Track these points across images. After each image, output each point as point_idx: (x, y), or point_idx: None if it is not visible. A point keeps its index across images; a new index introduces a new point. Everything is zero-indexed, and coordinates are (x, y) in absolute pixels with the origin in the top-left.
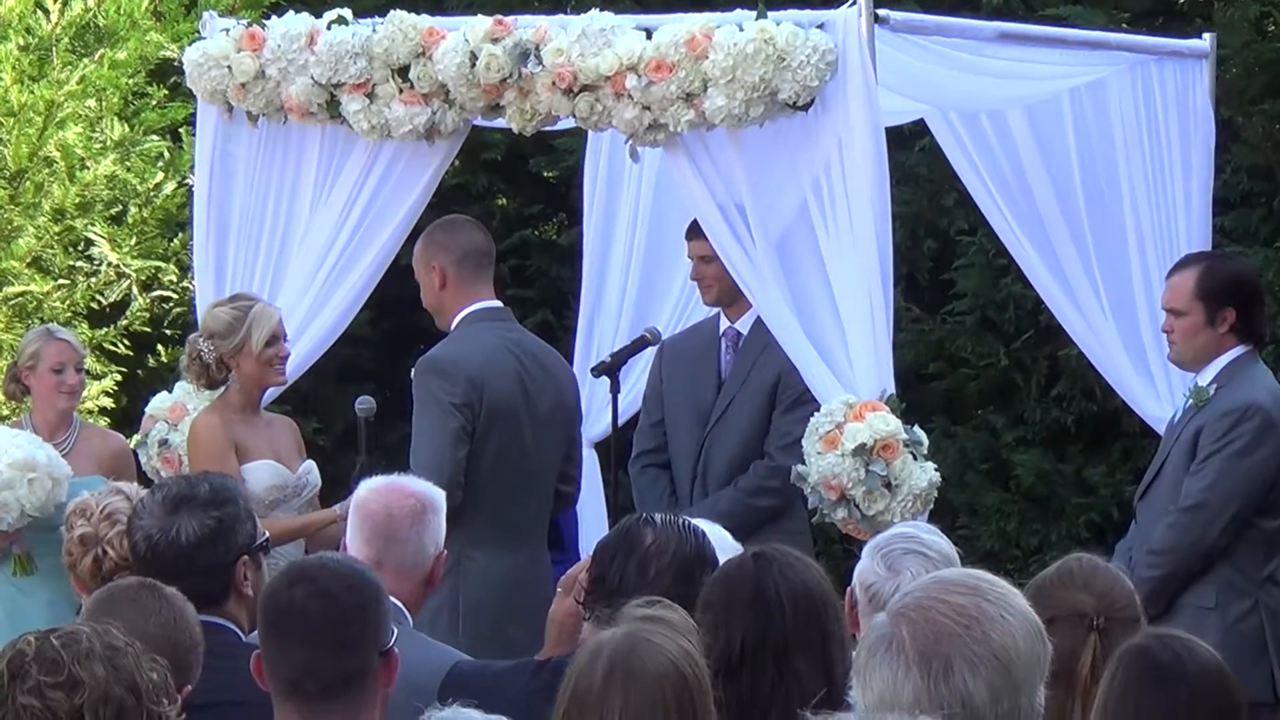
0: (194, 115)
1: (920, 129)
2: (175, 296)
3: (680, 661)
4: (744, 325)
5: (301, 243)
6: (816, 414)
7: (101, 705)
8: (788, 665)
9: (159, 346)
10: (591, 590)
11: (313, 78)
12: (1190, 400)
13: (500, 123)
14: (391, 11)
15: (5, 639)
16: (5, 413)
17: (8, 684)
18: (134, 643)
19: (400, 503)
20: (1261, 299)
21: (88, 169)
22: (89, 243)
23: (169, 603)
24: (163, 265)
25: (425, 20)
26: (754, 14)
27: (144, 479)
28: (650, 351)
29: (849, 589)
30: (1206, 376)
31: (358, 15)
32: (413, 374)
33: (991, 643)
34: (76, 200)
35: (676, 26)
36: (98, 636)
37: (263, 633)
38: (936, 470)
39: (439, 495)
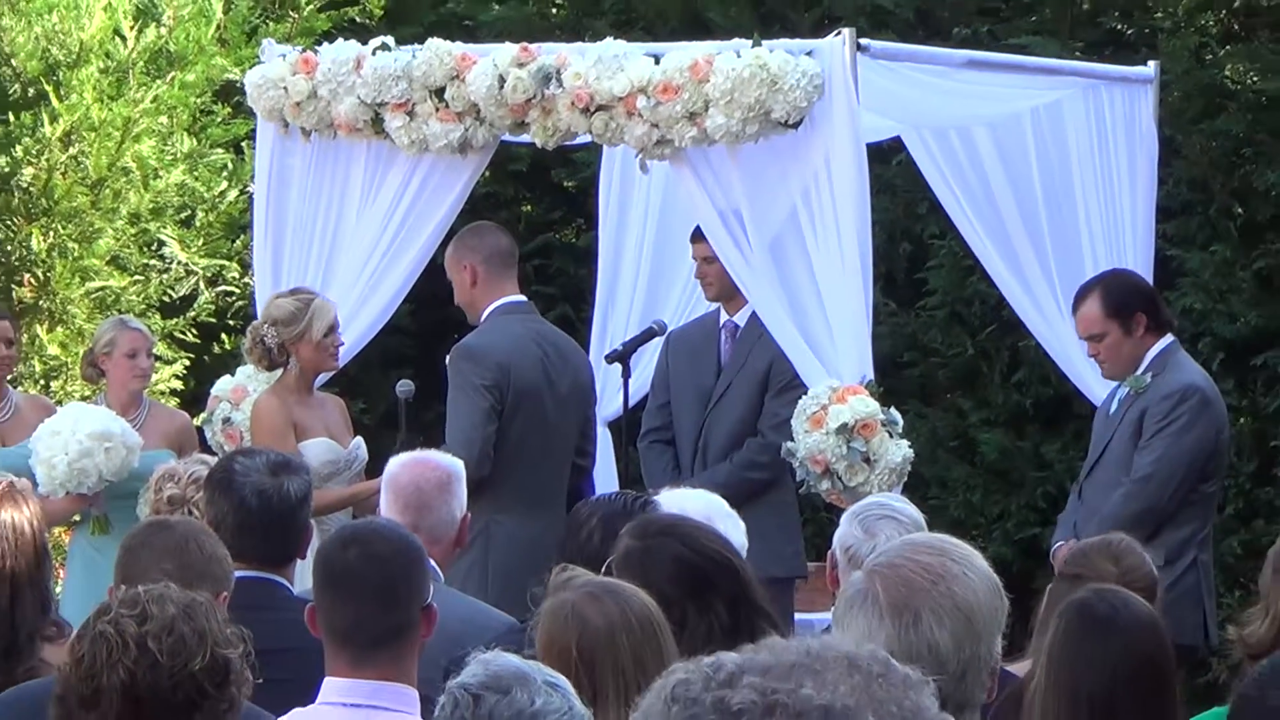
0: (254, 131)
1: (897, 145)
2: (237, 291)
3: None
4: (741, 319)
5: (349, 244)
6: (804, 397)
7: (164, 633)
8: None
9: (223, 335)
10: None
11: (359, 98)
12: (1129, 389)
13: (525, 138)
14: (429, 40)
15: (83, 594)
16: (87, 393)
17: (93, 619)
18: (215, 608)
19: (427, 476)
20: (1157, 293)
21: (160, 178)
22: (161, 243)
23: (175, 530)
24: (226, 263)
25: (459, 47)
26: (750, 43)
27: (207, 453)
28: (658, 341)
29: (830, 551)
30: (1140, 368)
31: (399, 43)
32: (448, 360)
33: (955, 597)
34: (150, 206)
35: (681, 53)
36: (181, 594)
37: (318, 589)
38: (910, 447)
39: (459, 464)
